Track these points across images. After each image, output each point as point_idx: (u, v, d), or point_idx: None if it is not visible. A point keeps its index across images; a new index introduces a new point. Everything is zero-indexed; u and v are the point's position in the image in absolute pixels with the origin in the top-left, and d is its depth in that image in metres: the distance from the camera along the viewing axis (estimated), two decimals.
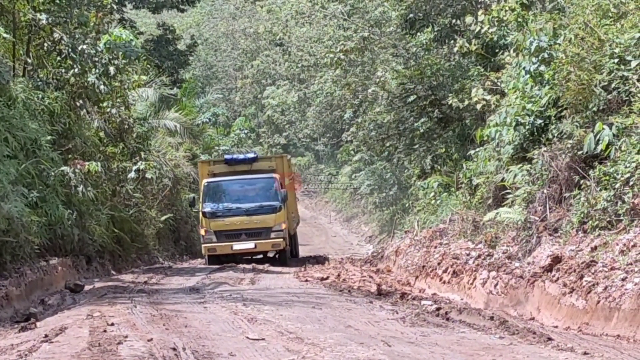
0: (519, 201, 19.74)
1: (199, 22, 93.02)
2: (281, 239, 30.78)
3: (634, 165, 15.67)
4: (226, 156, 35.57)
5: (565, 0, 21.98)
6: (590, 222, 16.45)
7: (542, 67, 19.83)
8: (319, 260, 33.01)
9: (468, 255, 20.85)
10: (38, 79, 24.56)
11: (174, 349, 10.80)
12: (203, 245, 31.11)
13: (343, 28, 43.96)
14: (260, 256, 32.13)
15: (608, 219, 16.03)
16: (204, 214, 30.95)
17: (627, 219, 15.48)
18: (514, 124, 20.37)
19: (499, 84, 24.20)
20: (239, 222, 30.69)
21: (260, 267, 27.51)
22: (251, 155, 34.54)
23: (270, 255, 32.16)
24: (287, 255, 31.79)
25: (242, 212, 30.87)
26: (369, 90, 41.79)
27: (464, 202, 25.00)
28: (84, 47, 24.81)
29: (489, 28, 24.85)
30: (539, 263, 16.60)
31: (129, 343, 11.17)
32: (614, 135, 16.57)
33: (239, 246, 30.68)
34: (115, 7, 29.26)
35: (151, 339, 11.40)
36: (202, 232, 31.15)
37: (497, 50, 26.17)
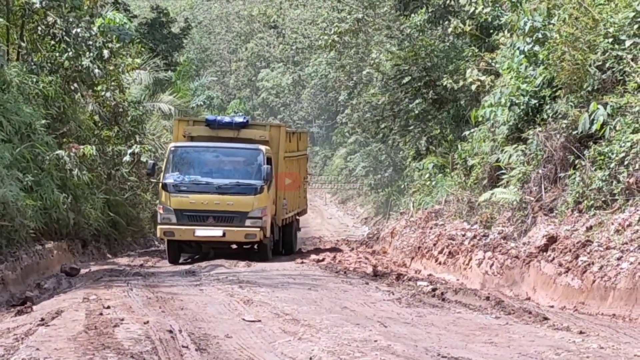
0: (514, 181, 19.78)
1: (192, 5, 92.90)
2: (258, 229, 24.24)
3: (628, 144, 15.68)
4: (208, 117, 27.93)
5: None
6: (585, 201, 16.49)
7: (537, 47, 19.80)
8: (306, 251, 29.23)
9: (463, 236, 20.90)
10: (32, 63, 24.49)
11: (171, 332, 10.81)
12: (158, 227, 24.80)
13: (337, 10, 43.87)
14: (234, 246, 25.72)
15: (603, 199, 16.06)
16: (163, 186, 24.49)
17: (622, 198, 15.51)
18: (508, 104, 20.38)
19: (493, 64, 24.18)
20: (207, 202, 24.19)
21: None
22: (239, 119, 26.99)
23: (248, 246, 25.71)
24: (269, 249, 25.32)
25: (212, 189, 24.38)
26: (364, 72, 41.91)
27: (459, 183, 25.03)
28: (78, 30, 24.75)
29: (483, 8, 24.81)
30: (535, 243, 16.65)
31: (125, 326, 11.18)
32: (608, 114, 16.58)
33: (203, 232, 24.28)
34: None
35: (147, 322, 11.41)
36: (160, 209, 24.75)
37: (491, 31, 26.12)
